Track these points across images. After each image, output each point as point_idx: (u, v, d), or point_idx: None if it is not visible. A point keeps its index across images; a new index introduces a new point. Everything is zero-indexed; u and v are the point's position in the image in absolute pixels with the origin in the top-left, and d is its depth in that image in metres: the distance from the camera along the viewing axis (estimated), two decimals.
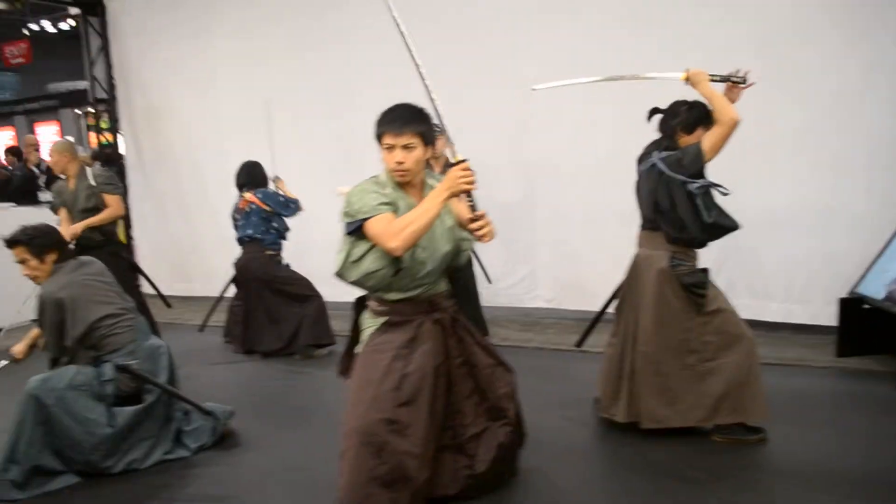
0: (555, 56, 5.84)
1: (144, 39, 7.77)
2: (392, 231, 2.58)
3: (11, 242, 3.67)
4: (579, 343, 4.43)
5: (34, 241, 3.66)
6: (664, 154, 3.60)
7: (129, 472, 3.63)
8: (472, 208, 2.66)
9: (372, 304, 2.94)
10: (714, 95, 3.44)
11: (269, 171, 5.74)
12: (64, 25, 18.68)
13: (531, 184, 6.17)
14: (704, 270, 3.66)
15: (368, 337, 2.91)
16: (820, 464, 3.38)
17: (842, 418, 3.92)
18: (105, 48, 8.24)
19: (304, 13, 6.85)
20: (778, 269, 5.43)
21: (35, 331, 3.88)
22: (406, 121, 2.64)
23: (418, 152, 2.64)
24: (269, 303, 5.70)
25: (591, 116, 5.78)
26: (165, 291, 7.75)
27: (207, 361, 5.55)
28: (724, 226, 3.53)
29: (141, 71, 7.86)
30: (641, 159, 3.79)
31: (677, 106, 3.65)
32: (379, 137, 2.73)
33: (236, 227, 5.76)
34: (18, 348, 3.89)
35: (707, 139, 3.45)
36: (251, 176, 5.73)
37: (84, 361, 3.62)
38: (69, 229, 5.02)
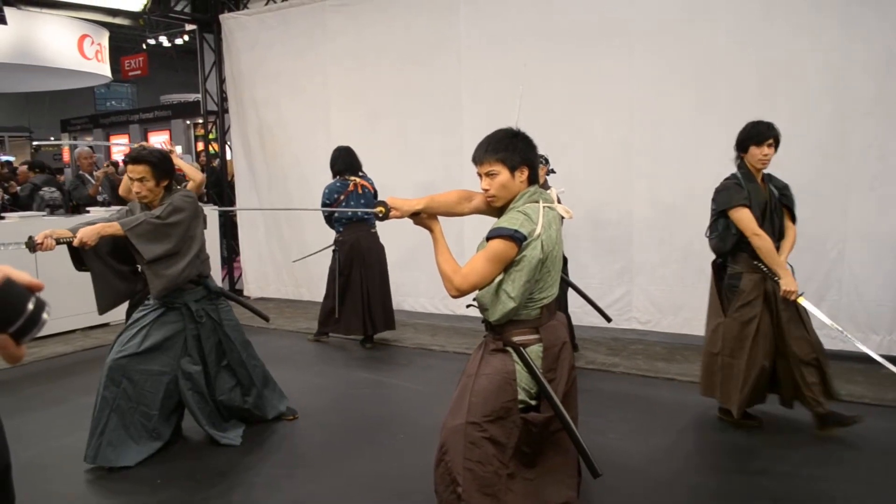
0: (658, 77, 5.82)
1: (256, 55, 8.10)
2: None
3: (138, 158, 3.77)
4: None
5: (160, 164, 3.81)
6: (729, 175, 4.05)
7: (202, 458, 3.85)
8: None
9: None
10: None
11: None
12: (179, 41, 19.73)
13: (631, 204, 6.12)
14: (739, 277, 4.01)
15: None
16: None
17: None
18: (218, 63, 8.68)
19: (412, 26, 7.01)
20: (883, 300, 5.22)
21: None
22: (485, 149, 2.68)
23: (501, 178, 2.65)
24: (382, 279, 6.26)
25: (697, 138, 5.73)
26: (273, 295, 8.37)
27: (294, 367, 5.72)
28: (714, 247, 4.11)
29: (253, 85, 8.20)
30: None
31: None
32: None
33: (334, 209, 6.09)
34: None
35: (745, 220, 3.88)
36: (352, 161, 6.09)
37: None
38: None
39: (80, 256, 3.78)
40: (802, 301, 3.84)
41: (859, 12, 5.09)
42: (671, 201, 5.91)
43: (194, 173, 4.89)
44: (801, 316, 3.94)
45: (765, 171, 4.02)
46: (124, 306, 4.09)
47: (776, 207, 3.96)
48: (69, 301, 6.40)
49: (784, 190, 4.00)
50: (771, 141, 3.89)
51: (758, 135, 3.89)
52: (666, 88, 5.81)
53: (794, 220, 4.04)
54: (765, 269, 3.91)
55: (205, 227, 4.42)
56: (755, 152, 3.89)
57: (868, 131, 5.15)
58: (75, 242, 3.56)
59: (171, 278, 3.77)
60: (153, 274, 3.75)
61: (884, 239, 5.16)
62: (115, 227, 3.62)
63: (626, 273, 6.23)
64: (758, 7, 5.43)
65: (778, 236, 3.96)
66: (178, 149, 6.15)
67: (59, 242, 3.57)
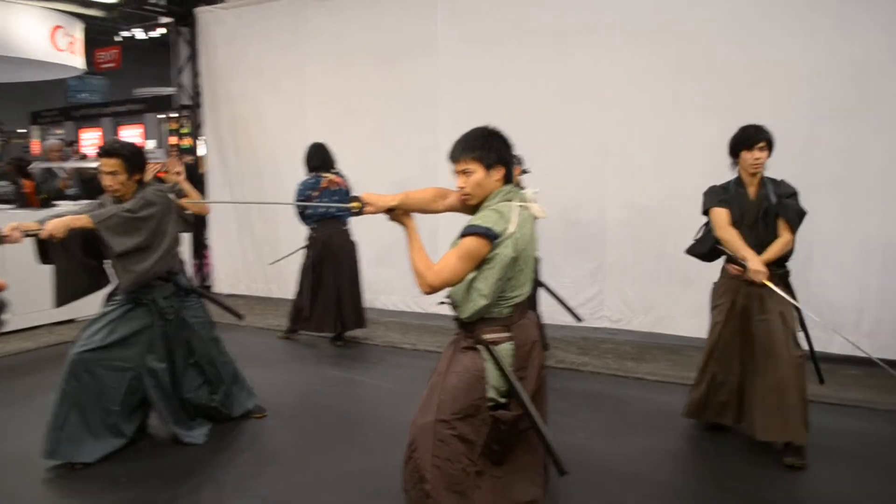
0: (633, 78, 5.87)
1: (233, 49, 8.03)
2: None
3: (110, 152, 3.71)
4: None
5: (132, 158, 3.74)
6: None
7: (168, 456, 3.84)
8: None
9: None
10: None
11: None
12: (154, 34, 19.51)
13: (604, 205, 6.18)
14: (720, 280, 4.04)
15: None
16: None
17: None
18: (193, 57, 8.59)
19: (390, 24, 7.01)
20: (847, 301, 5.32)
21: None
22: (462, 147, 2.69)
23: (476, 176, 2.66)
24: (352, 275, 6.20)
25: (671, 140, 5.80)
26: (243, 292, 8.26)
27: (264, 365, 5.65)
28: (690, 248, 4.10)
29: (228, 80, 8.13)
30: None
31: None
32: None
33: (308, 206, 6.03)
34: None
35: (715, 219, 3.84)
36: (326, 157, 6.05)
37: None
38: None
39: (46, 249, 3.72)
40: (770, 284, 3.68)
41: (827, 23, 5.20)
42: (644, 202, 5.96)
43: (201, 209, 4.68)
44: (783, 335, 3.73)
45: (771, 177, 3.88)
46: (88, 300, 4.00)
47: (766, 215, 3.81)
48: (34, 296, 6.30)
49: (784, 197, 3.80)
50: (762, 144, 3.78)
51: (747, 139, 3.80)
52: (642, 90, 5.86)
53: (792, 229, 3.78)
54: (730, 255, 3.79)
55: (190, 230, 4.41)
56: (746, 157, 3.80)
57: (835, 136, 5.25)
58: (43, 235, 3.49)
59: (141, 273, 3.72)
60: (122, 268, 3.70)
61: (849, 242, 5.26)
62: (84, 220, 3.56)
63: (599, 273, 6.27)
64: (733, 12, 5.50)
65: (765, 243, 3.78)
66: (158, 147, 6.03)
67: (26, 235, 3.51)
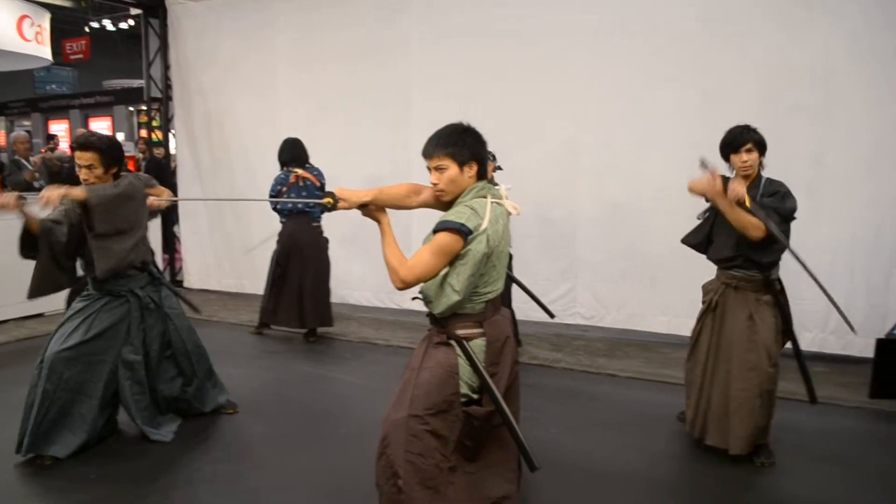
0: (604, 76, 5.92)
1: (204, 42, 7.95)
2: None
3: (85, 145, 3.67)
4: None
5: (108, 151, 3.70)
6: None
7: (139, 453, 3.81)
8: None
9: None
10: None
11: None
12: (123, 25, 19.24)
13: (576, 202, 6.21)
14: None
15: None
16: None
17: (866, 459, 3.88)
18: (163, 49, 8.48)
19: (364, 20, 6.99)
20: (816, 299, 5.38)
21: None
22: (435, 144, 2.69)
23: (450, 172, 2.66)
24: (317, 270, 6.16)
25: (643, 140, 5.86)
26: (214, 287, 8.20)
27: (236, 361, 5.61)
28: (685, 237, 4.00)
29: (199, 73, 8.04)
30: None
31: None
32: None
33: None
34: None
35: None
36: (298, 152, 6.01)
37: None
38: None
39: (32, 241, 3.66)
40: (749, 204, 3.51)
41: (801, 23, 5.27)
42: (616, 200, 6.01)
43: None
44: (750, 342, 3.70)
45: (770, 178, 3.77)
46: (60, 295, 3.95)
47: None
48: (1, 291, 6.21)
49: (766, 196, 3.67)
50: (749, 146, 3.64)
51: (733, 140, 3.69)
52: (616, 89, 5.91)
53: (765, 224, 3.54)
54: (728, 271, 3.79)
55: (156, 217, 4.39)
56: (734, 160, 3.70)
57: (806, 138, 5.32)
58: (41, 201, 3.42)
59: (120, 256, 3.70)
60: (102, 250, 3.65)
61: (818, 242, 5.32)
62: (78, 192, 3.53)
63: (571, 270, 6.31)
64: (702, 15, 5.56)
65: (741, 243, 3.70)
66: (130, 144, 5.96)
67: (19, 199, 3.44)
